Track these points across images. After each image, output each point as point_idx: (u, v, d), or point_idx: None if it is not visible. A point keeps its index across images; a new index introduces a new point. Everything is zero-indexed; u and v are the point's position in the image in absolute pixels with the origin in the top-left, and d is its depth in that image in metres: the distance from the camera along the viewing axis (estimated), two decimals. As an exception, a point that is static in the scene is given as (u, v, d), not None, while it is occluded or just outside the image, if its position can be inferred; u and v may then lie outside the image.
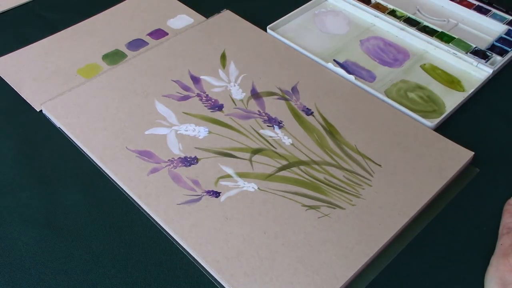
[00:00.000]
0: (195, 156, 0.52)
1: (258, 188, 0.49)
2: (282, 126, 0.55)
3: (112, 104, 0.57)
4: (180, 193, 0.49)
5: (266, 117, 0.56)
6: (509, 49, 0.63)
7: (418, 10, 0.70)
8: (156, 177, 0.50)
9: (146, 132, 0.54)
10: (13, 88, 0.60)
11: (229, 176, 0.50)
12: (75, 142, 0.54)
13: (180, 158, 0.52)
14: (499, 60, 0.61)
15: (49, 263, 0.44)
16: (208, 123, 0.55)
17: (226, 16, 0.69)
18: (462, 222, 0.48)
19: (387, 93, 0.59)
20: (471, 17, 0.69)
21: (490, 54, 0.62)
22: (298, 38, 0.66)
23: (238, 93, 0.58)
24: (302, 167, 0.51)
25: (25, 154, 0.53)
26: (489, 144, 0.54)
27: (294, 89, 0.59)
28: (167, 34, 0.67)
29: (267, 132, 0.54)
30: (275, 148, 0.53)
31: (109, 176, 0.51)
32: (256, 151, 0.52)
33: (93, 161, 0.52)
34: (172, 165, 0.51)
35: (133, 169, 0.50)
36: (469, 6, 0.70)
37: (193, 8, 0.71)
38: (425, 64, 0.63)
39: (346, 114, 0.56)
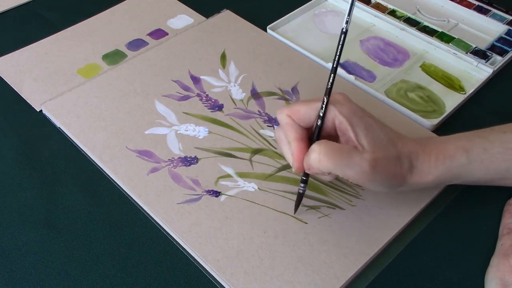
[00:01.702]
0: (195, 156, 0.52)
1: (258, 188, 0.49)
2: (282, 126, 0.55)
3: (112, 104, 0.57)
4: (180, 192, 0.49)
5: (266, 117, 0.56)
6: (509, 49, 0.63)
7: (418, 10, 0.70)
8: (156, 177, 0.50)
9: (146, 132, 0.54)
10: (13, 88, 0.60)
11: (229, 176, 0.50)
12: (75, 142, 0.54)
13: (180, 158, 0.52)
14: (499, 60, 0.61)
15: (49, 263, 0.44)
16: (208, 123, 0.55)
17: (226, 16, 0.69)
18: (462, 222, 0.48)
19: (387, 93, 0.59)
20: (471, 17, 0.69)
21: (490, 54, 0.62)
22: (298, 38, 0.66)
23: (238, 93, 0.58)
24: (302, 167, 0.51)
25: (25, 154, 0.53)
26: (489, 144, 0.54)
27: (294, 89, 0.59)
28: (167, 34, 0.67)
29: (267, 132, 0.54)
30: (275, 148, 0.53)
31: (109, 176, 0.51)
32: (256, 151, 0.52)
33: (93, 161, 0.52)
34: (172, 165, 0.51)
35: (133, 169, 0.50)
36: (469, 6, 0.70)
37: (193, 8, 0.71)
38: (424, 64, 0.63)
39: (346, 114, 0.56)
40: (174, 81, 0.60)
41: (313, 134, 0.43)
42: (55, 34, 0.67)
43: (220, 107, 0.57)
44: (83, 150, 0.53)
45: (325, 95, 0.42)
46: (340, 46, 0.42)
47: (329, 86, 0.42)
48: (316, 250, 0.44)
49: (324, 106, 0.42)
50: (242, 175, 0.50)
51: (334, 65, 0.42)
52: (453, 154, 0.44)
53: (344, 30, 0.41)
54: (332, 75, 0.42)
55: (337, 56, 0.42)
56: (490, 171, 0.45)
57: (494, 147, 0.45)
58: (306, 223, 0.46)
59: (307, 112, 0.42)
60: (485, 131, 0.47)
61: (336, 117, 0.42)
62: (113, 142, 0.53)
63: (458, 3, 0.70)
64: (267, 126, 0.55)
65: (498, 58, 0.62)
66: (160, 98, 0.58)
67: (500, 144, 0.45)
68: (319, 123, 0.42)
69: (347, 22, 0.41)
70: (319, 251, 0.44)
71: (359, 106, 0.43)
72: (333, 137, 0.43)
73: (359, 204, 0.48)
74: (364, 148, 0.41)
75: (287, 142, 0.43)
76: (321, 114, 0.42)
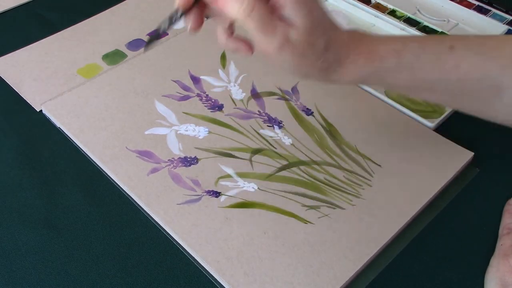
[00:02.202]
0: (195, 156, 0.52)
1: (258, 188, 0.49)
2: (282, 126, 0.55)
3: (112, 104, 0.57)
4: (180, 193, 0.49)
5: (266, 117, 0.56)
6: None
7: (418, 10, 0.70)
8: (156, 177, 0.50)
9: (146, 132, 0.54)
10: (13, 88, 0.60)
11: (229, 176, 0.50)
12: (75, 142, 0.54)
13: (180, 158, 0.52)
14: (499, 60, 0.61)
15: (49, 263, 0.44)
16: (208, 123, 0.55)
17: (226, 16, 0.69)
18: (462, 222, 0.48)
19: (387, 93, 0.59)
20: (471, 17, 0.69)
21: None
22: (298, 38, 0.66)
23: (238, 93, 0.58)
24: (302, 167, 0.51)
25: (25, 154, 0.53)
26: (489, 144, 0.54)
27: (294, 89, 0.59)
28: (167, 34, 0.67)
29: (267, 132, 0.54)
30: (275, 148, 0.53)
31: (109, 176, 0.51)
32: (256, 151, 0.52)
33: (93, 161, 0.52)
34: (172, 165, 0.51)
35: (133, 169, 0.50)
36: (469, 6, 0.69)
37: (193, 8, 0.71)
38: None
39: (346, 114, 0.56)
40: (174, 81, 0.60)
41: None
42: (55, 34, 0.67)
43: (220, 107, 0.57)
44: (83, 150, 0.53)
45: None
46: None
47: None
48: (316, 251, 0.44)
49: None
50: (242, 175, 0.50)
51: None
52: (383, 56, 0.41)
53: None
54: None
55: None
56: (418, 79, 0.42)
57: (426, 55, 0.41)
58: (306, 223, 0.46)
59: None
60: (422, 37, 0.43)
61: None
62: (113, 142, 0.53)
63: (458, 3, 0.70)
64: (267, 126, 0.55)
65: (498, 58, 0.62)
66: (160, 98, 0.57)
67: (433, 54, 0.41)
68: None
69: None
70: (319, 252, 0.44)
71: None
72: None
73: (359, 204, 0.48)
74: (294, 28, 0.37)
75: None
76: None
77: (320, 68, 0.40)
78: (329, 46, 0.39)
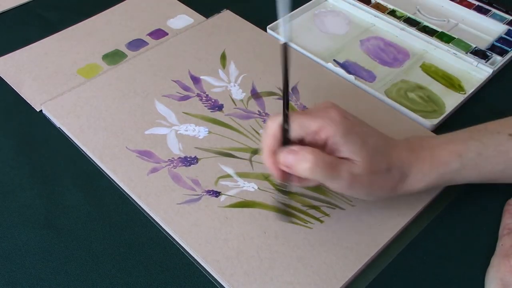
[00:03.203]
0: (195, 156, 0.52)
1: (258, 188, 0.49)
2: (282, 126, 0.55)
3: (112, 104, 0.57)
4: (180, 193, 0.49)
5: (266, 117, 0.56)
6: (509, 49, 0.63)
7: (418, 10, 0.70)
8: (156, 177, 0.50)
9: (146, 132, 0.54)
10: (13, 88, 0.60)
11: (229, 176, 0.50)
12: (75, 142, 0.54)
13: (180, 158, 0.52)
14: (499, 60, 0.61)
15: (49, 263, 0.44)
16: (208, 123, 0.55)
17: (226, 16, 0.69)
18: (462, 222, 0.48)
19: (387, 93, 0.59)
20: (471, 17, 0.69)
21: (490, 54, 0.62)
22: (298, 38, 0.66)
23: (238, 93, 0.58)
24: (302, 167, 0.51)
25: (25, 154, 0.53)
26: (489, 144, 0.54)
27: (294, 89, 0.59)
28: (167, 34, 0.67)
29: (267, 132, 0.54)
30: (275, 148, 0.53)
31: (109, 176, 0.51)
32: (256, 151, 0.52)
33: (93, 161, 0.52)
34: (172, 165, 0.51)
35: (133, 169, 0.50)
36: (469, 6, 0.70)
37: (193, 8, 0.71)
38: (424, 64, 0.63)
39: (346, 114, 0.56)
40: (174, 81, 0.60)
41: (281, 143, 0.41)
42: (55, 34, 0.67)
43: (220, 107, 0.57)
44: (83, 150, 0.53)
45: (284, 108, 0.39)
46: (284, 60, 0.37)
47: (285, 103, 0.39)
48: (316, 251, 0.44)
49: (285, 119, 0.40)
50: (242, 175, 0.50)
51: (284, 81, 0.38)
52: (447, 160, 0.43)
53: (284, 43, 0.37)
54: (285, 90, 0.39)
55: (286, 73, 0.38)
56: (483, 173, 0.45)
57: (488, 150, 0.44)
58: (306, 223, 0.46)
59: (310, 124, 0.41)
60: (479, 131, 0.46)
61: (331, 137, 0.40)
62: (113, 142, 0.53)
63: (458, 3, 0.70)
64: (267, 126, 0.55)
65: (498, 58, 0.62)
66: (160, 98, 0.57)
67: (494, 147, 0.44)
68: (289, 136, 0.40)
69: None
70: (319, 252, 0.44)
71: (353, 117, 0.42)
72: (312, 145, 0.41)
73: (359, 204, 0.48)
74: (355, 162, 0.40)
75: (270, 152, 0.42)
76: (286, 127, 0.40)
77: (389, 187, 0.43)
78: (391, 166, 0.42)
